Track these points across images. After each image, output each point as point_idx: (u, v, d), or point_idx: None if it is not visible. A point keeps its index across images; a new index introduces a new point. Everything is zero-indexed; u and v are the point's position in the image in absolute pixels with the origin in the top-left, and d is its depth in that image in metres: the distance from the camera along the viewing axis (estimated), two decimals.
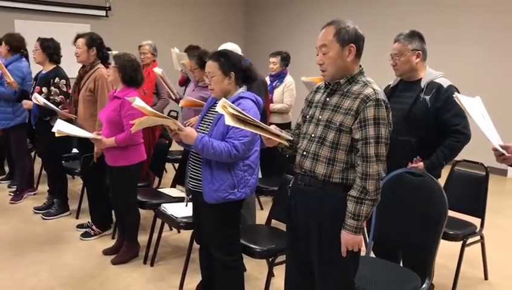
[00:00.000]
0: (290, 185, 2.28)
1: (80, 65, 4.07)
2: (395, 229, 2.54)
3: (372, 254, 2.72)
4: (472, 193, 3.32)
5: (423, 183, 2.49)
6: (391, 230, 2.56)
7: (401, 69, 2.86)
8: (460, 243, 3.15)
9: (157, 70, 4.68)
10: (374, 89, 2.00)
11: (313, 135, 2.11)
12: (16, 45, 4.82)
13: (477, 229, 3.27)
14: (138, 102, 2.47)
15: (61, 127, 3.17)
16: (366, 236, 2.87)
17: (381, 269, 2.51)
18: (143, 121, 2.47)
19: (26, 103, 4.44)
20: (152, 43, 5.25)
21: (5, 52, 4.78)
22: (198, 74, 4.19)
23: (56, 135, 3.16)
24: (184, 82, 5.46)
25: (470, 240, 3.20)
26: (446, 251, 3.41)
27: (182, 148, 3.90)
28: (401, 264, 2.87)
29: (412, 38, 2.82)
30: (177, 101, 4.79)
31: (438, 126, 2.74)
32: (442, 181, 2.80)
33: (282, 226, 2.64)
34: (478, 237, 3.32)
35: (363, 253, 2.38)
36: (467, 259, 3.31)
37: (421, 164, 2.66)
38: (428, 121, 2.73)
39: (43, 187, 5.12)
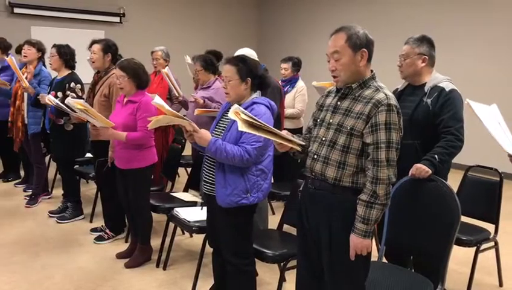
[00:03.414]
0: (301, 188, 2.30)
1: (92, 70, 4.13)
2: (407, 234, 2.53)
3: (383, 259, 2.71)
4: (486, 199, 3.30)
5: (435, 187, 2.49)
6: (403, 235, 2.55)
7: (406, 71, 2.90)
8: (474, 249, 3.12)
9: (164, 69, 4.74)
10: (385, 94, 2.01)
11: (323, 139, 2.12)
12: (43, 53, 4.91)
13: (491, 235, 3.24)
14: (158, 100, 2.50)
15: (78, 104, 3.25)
16: (378, 241, 2.87)
17: (393, 274, 2.50)
18: (160, 119, 2.50)
19: (43, 97, 4.48)
20: (164, 49, 5.29)
21: (34, 58, 4.84)
22: (202, 75, 4.29)
23: (78, 107, 3.22)
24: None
25: (483, 246, 3.17)
26: (459, 257, 3.40)
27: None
28: (412, 270, 2.85)
29: (421, 42, 2.85)
30: (181, 102, 4.82)
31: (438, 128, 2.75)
32: (455, 186, 2.79)
33: (294, 231, 2.64)
34: (492, 243, 3.28)
35: (374, 258, 2.38)
36: (481, 265, 3.29)
37: (420, 165, 2.62)
38: (430, 124, 2.74)
39: (58, 191, 5.17)
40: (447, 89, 2.77)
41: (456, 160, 2.82)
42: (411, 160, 2.64)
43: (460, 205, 2.37)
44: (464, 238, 3.05)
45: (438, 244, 2.40)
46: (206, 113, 4.06)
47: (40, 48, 4.85)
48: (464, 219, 2.60)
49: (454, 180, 2.90)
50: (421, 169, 2.59)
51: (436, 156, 2.66)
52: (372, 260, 2.19)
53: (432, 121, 2.75)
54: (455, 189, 2.59)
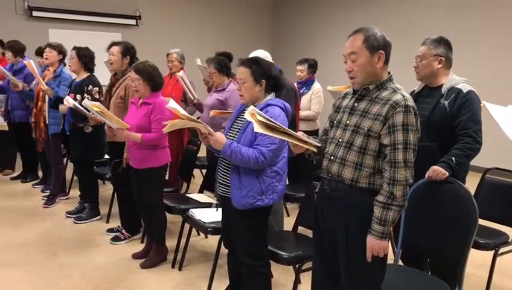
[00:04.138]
0: (316, 190, 2.29)
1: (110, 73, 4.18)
2: (424, 237, 2.51)
3: (399, 262, 2.69)
4: (504, 201, 3.25)
5: (452, 190, 2.46)
6: (420, 237, 2.53)
7: (422, 72, 2.88)
8: (492, 253, 3.08)
9: (178, 73, 4.77)
10: (403, 95, 2.01)
11: (340, 140, 2.12)
12: (64, 55, 5.00)
13: (510, 239, 3.19)
14: (172, 104, 2.53)
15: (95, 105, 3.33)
16: (394, 244, 2.85)
17: (409, 277, 2.48)
18: (175, 123, 2.53)
19: (63, 108, 4.59)
20: (179, 51, 5.32)
21: (55, 61, 4.91)
22: (216, 78, 4.31)
23: (94, 109, 3.30)
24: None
25: (502, 250, 3.12)
26: (477, 260, 3.35)
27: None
28: (429, 273, 2.83)
29: (438, 43, 2.83)
30: (195, 105, 4.84)
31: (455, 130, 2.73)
32: (472, 189, 2.76)
33: (309, 233, 2.64)
34: (511, 247, 3.23)
35: (391, 261, 2.36)
36: (499, 269, 3.24)
37: (437, 167, 2.59)
38: (447, 126, 2.72)
39: (75, 192, 5.23)
40: (465, 91, 2.75)
41: (473, 162, 2.79)
42: (428, 162, 2.62)
43: (478, 207, 2.34)
44: (482, 241, 3.01)
45: (455, 247, 2.37)
46: (220, 114, 4.07)
47: (61, 50, 4.93)
48: (481, 222, 2.57)
49: (471, 183, 2.87)
50: (437, 171, 2.56)
51: (453, 158, 2.63)
52: (388, 262, 2.18)
53: (450, 123, 2.72)
54: (472, 192, 2.56)
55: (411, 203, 2.27)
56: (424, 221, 2.51)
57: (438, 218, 2.46)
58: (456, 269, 2.35)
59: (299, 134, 2.13)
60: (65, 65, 4.99)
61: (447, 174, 2.55)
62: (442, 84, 2.83)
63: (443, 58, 2.81)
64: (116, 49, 4.02)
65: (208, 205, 3.68)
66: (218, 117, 4.13)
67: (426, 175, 2.58)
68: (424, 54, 2.84)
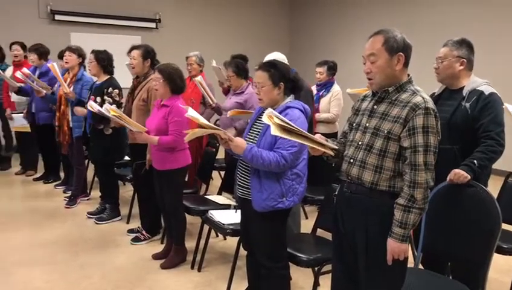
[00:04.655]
0: (336, 193, 2.29)
1: (130, 75, 4.23)
2: (445, 240, 2.48)
3: (420, 266, 2.67)
4: None
5: (474, 193, 2.43)
6: (441, 241, 2.50)
7: (442, 74, 2.85)
8: None
9: (197, 78, 4.81)
10: (423, 98, 1.99)
11: (360, 143, 2.12)
12: (84, 58, 5.07)
13: None
14: (191, 112, 2.55)
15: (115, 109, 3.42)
16: (414, 247, 2.82)
17: (430, 281, 2.45)
18: (196, 132, 2.55)
19: (77, 110, 4.67)
20: (198, 54, 5.35)
21: (75, 64, 4.98)
22: (234, 81, 4.32)
23: (111, 113, 3.37)
24: (228, 91, 5.55)
25: None
26: (500, 264, 3.31)
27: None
28: (450, 277, 2.79)
29: (460, 45, 2.80)
30: (214, 109, 4.87)
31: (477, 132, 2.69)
32: (495, 193, 2.71)
33: (328, 236, 2.63)
34: None
35: (411, 264, 2.34)
36: None
37: (459, 170, 2.56)
38: (469, 128, 2.69)
39: (96, 193, 5.30)
40: (487, 93, 2.71)
41: (495, 165, 2.75)
42: (450, 165, 2.59)
43: (501, 211, 2.31)
44: (505, 246, 2.95)
45: (478, 252, 2.34)
46: (240, 114, 4.08)
47: (80, 53, 5.00)
48: (504, 226, 2.53)
49: (494, 187, 2.82)
50: (459, 174, 2.53)
51: (475, 161, 2.60)
52: (408, 266, 2.16)
53: (471, 126, 2.69)
54: (495, 195, 2.52)
55: (432, 207, 2.25)
56: (445, 224, 2.48)
57: (460, 222, 2.43)
58: (479, 273, 2.32)
59: (317, 137, 2.13)
60: (85, 68, 5.07)
61: (469, 177, 2.52)
62: (463, 87, 2.80)
63: (465, 60, 2.78)
64: (136, 53, 4.06)
65: (227, 207, 3.70)
66: (235, 117, 4.14)
67: (448, 178, 2.55)
68: (445, 55, 2.81)
